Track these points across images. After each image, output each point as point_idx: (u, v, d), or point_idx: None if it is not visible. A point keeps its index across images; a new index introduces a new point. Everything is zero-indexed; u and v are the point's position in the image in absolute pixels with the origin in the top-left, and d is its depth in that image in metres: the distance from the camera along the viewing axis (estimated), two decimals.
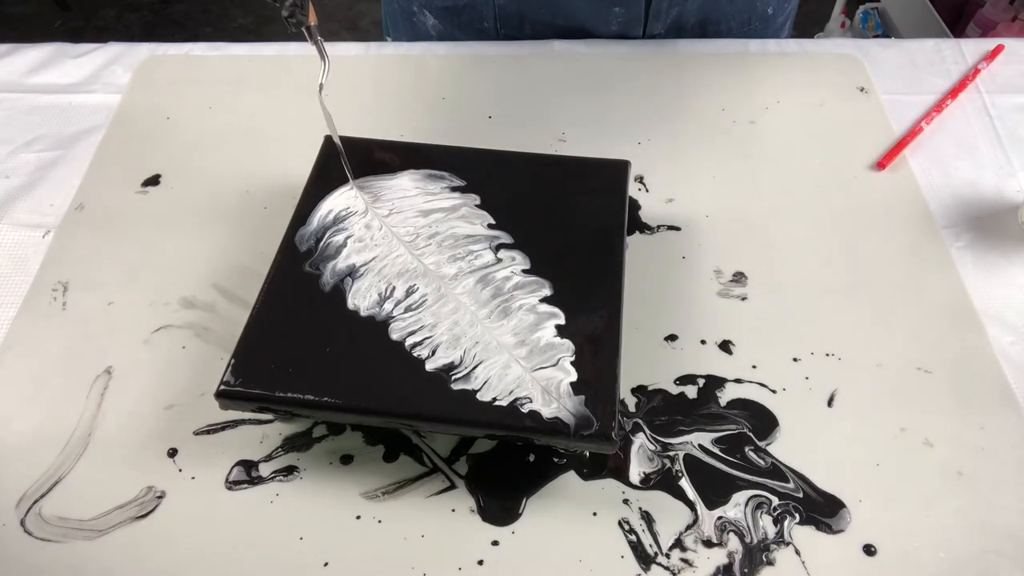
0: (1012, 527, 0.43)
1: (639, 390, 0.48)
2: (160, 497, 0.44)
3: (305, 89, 0.68)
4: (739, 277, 0.54)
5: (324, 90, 0.47)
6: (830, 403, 0.48)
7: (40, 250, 0.56)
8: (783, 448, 0.46)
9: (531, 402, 0.41)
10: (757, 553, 0.42)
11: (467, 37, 0.74)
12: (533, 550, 0.42)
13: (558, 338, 0.44)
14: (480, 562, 0.42)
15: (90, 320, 0.52)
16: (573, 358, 0.43)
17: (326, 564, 0.42)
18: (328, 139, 0.54)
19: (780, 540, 0.42)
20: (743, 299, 0.53)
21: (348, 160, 0.51)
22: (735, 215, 0.58)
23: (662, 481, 0.44)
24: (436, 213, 0.50)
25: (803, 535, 0.42)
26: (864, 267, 0.54)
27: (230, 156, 0.62)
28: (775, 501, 0.44)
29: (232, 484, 0.45)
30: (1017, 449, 0.45)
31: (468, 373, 0.42)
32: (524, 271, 0.47)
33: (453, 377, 0.42)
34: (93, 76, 0.69)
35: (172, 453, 0.46)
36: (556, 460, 0.45)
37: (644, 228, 0.57)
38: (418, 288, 0.46)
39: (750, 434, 0.46)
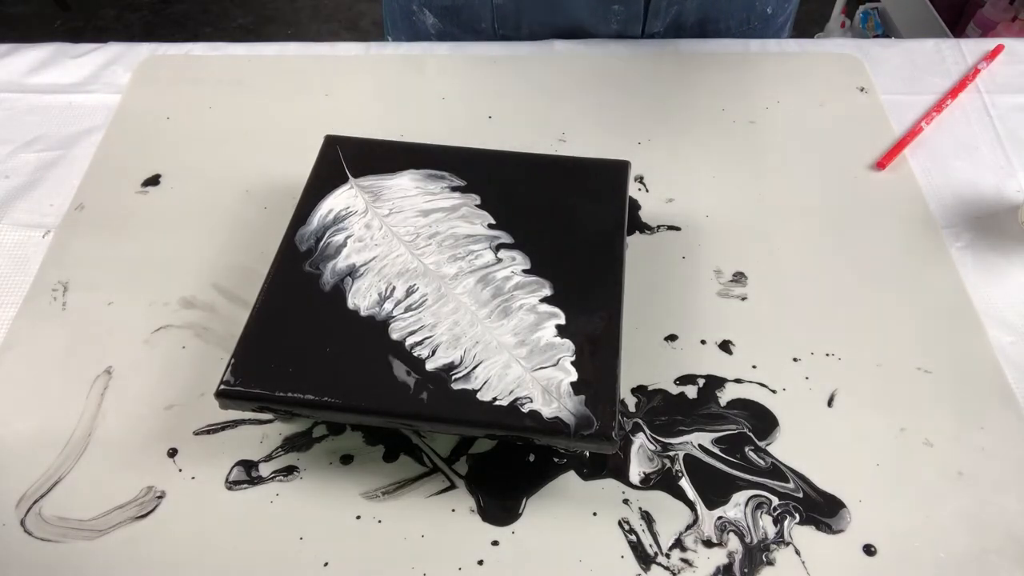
0: (1012, 527, 0.43)
1: (639, 390, 0.48)
2: (160, 497, 0.44)
3: (305, 89, 0.68)
4: (739, 277, 0.54)
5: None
6: (830, 403, 0.48)
7: (40, 250, 0.56)
8: (783, 448, 0.46)
9: (531, 402, 0.41)
10: (757, 553, 0.42)
11: (467, 37, 0.74)
12: (533, 550, 0.42)
13: (558, 338, 0.44)
14: (480, 562, 0.42)
15: (90, 320, 0.52)
16: (573, 358, 0.43)
17: (326, 564, 0.42)
18: (328, 139, 0.54)
19: (780, 540, 0.42)
20: (743, 299, 0.53)
21: (348, 160, 0.51)
22: (735, 215, 0.58)
23: (662, 481, 0.44)
24: (436, 213, 0.50)
25: (803, 535, 0.42)
26: (864, 267, 0.54)
27: (230, 156, 0.62)
28: (775, 501, 0.44)
29: (232, 484, 0.45)
30: (1017, 449, 0.45)
31: (468, 373, 0.42)
32: (524, 271, 0.47)
33: (453, 377, 0.42)
34: (93, 76, 0.69)
35: (172, 453, 0.46)
36: (556, 460, 0.45)
37: (644, 228, 0.57)
38: (418, 288, 0.46)
39: (750, 434, 0.46)
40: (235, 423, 0.47)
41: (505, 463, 0.45)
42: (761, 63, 0.69)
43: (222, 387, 0.42)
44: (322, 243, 0.48)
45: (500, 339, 0.44)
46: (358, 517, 0.43)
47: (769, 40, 0.71)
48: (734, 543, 0.42)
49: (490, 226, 0.49)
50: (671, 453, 0.46)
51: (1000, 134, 0.63)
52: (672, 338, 0.51)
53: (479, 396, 0.41)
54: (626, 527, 0.43)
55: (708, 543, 0.42)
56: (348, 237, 0.48)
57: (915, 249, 0.55)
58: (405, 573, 0.41)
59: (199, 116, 0.66)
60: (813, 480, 0.44)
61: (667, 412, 0.47)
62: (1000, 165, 0.61)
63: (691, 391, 0.48)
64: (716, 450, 0.46)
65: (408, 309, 0.45)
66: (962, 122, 0.64)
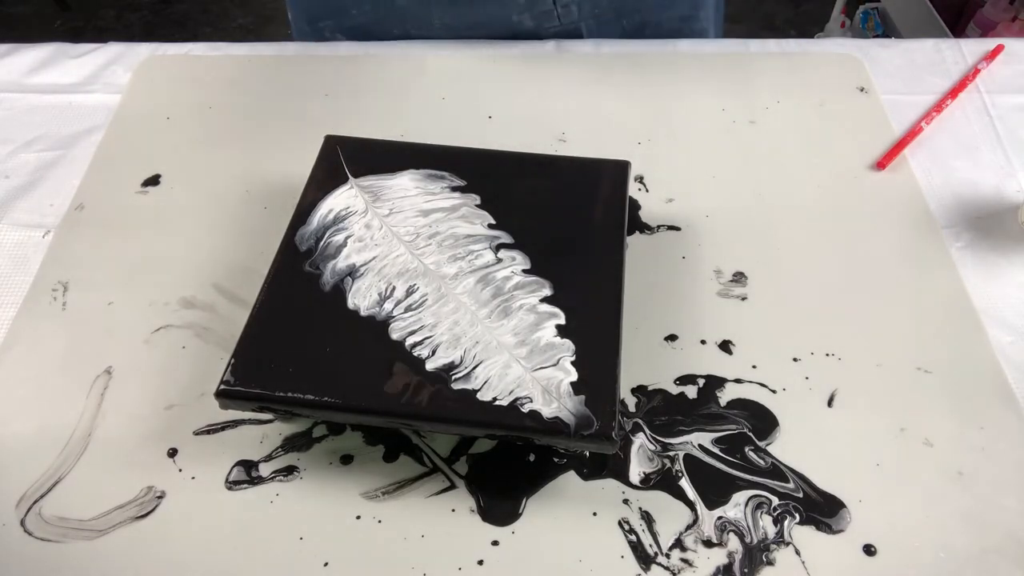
0: (1012, 527, 0.43)
1: (639, 390, 0.48)
2: (160, 497, 0.44)
3: (305, 89, 0.68)
4: (739, 277, 0.54)
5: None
6: (830, 403, 0.48)
7: (40, 250, 0.56)
8: (783, 448, 0.46)
9: (531, 402, 0.41)
10: (757, 553, 0.42)
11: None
12: (533, 550, 0.42)
13: (558, 338, 0.44)
14: (480, 562, 0.42)
15: (90, 320, 0.52)
16: (573, 358, 0.43)
17: (326, 564, 0.42)
18: (328, 139, 0.54)
19: (780, 540, 0.42)
20: (743, 299, 0.53)
21: (348, 160, 0.51)
22: (735, 215, 0.58)
23: (662, 481, 0.44)
24: (436, 213, 0.50)
25: (803, 535, 0.42)
26: (864, 267, 0.54)
27: (230, 156, 0.62)
28: (775, 501, 0.44)
29: (232, 484, 0.45)
30: (1017, 449, 0.45)
31: (468, 373, 0.42)
32: (524, 271, 0.47)
33: (453, 377, 0.42)
34: (93, 76, 0.69)
35: (172, 453, 0.46)
36: (556, 460, 0.45)
37: (644, 228, 0.57)
38: (418, 288, 0.46)
39: (750, 434, 0.46)
40: (235, 423, 0.47)
41: (505, 463, 0.45)
42: (761, 63, 0.69)
43: (222, 387, 0.42)
44: (322, 243, 0.48)
45: (500, 339, 0.44)
46: (358, 517, 0.43)
47: (769, 40, 0.71)
48: (734, 543, 0.42)
49: (490, 226, 0.49)
50: (671, 453, 0.45)
51: (1000, 134, 0.63)
52: (672, 338, 0.51)
53: (479, 396, 0.41)
54: (626, 527, 0.43)
55: (708, 543, 0.42)
56: (348, 237, 0.48)
57: (915, 249, 0.55)
58: (405, 573, 0.41)
59: (199, 116, 0.66)
60: (813, 480, 0.44)
61: (667, 412, 0.47)
62: (1000, 165, 0.61)
63: (691, 391, 0.48)
64: (716, 450, 0.46)
65: (408, 309, 0.45)
66: (962, 122, 0.64)
